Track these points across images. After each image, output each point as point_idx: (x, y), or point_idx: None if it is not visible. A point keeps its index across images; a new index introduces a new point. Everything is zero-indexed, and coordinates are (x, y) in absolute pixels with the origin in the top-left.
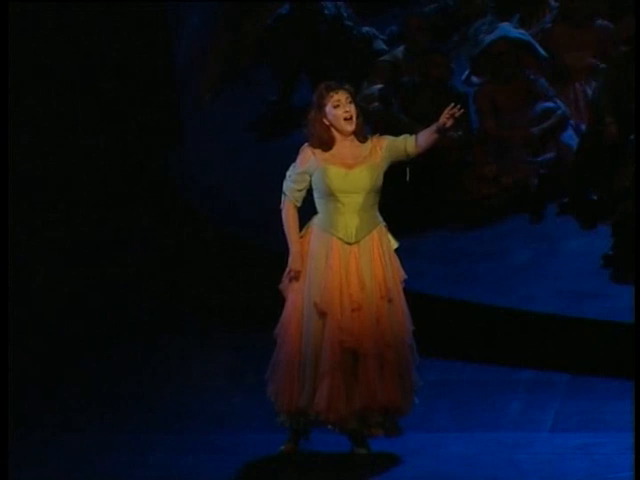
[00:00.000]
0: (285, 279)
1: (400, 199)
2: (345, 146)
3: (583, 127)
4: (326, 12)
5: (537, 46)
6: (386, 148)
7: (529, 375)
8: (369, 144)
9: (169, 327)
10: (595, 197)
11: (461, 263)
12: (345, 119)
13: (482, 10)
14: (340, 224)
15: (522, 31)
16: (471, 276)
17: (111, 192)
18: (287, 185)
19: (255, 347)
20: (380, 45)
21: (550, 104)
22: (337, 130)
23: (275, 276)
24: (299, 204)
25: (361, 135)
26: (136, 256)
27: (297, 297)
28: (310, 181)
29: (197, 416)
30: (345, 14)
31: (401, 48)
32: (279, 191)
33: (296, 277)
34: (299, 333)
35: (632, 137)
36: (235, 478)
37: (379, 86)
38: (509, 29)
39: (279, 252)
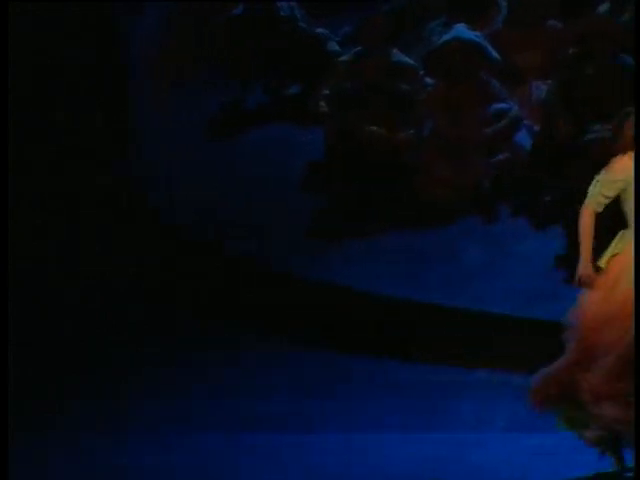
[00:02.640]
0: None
1: (354, 200)
2: None
3: (536, 128)
4: (281, 13)
5: (489, 47)
6: None
7: (483, 376)
8: None
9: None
10: (548, 198)
11: (414, 264)
12: None
13: (436, 11)
14: None
15: (475, 32)
16: (425, 277)
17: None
18: (594, 189)
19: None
20: (334, 46)
21: (503, 105)
22: None
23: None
24: (600, 210)
25: None
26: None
27: (599, 307)
28: (622, 191)
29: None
30: (299, 15)
31: (359, 49)
32: (237, 190)
33: (587, 283)
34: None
35: (586, 137)
36: None
37: (331, 87)
38: (462, 30)
39: (242, 251)
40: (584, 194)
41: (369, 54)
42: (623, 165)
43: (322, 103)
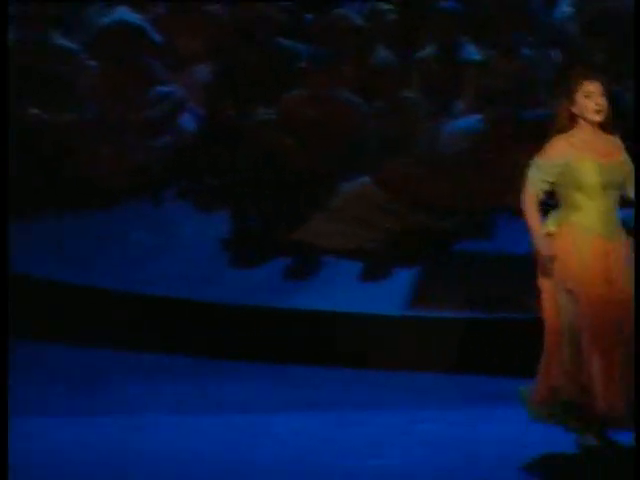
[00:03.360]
0: (542, 274)
1: (23, 184)
2: (595, 136)
3: (201, 112)
4: None
5: (152, 31)
6: (626, 170)
7: (150, 358)
8: (613, 140)
9: None
10: (213, 181)
11: (81, 247)
12: (595, 111)
13: None
14: (599, 220)
15: (138, 15)
16: (91, 260)
17: None
18: (533, 174)
19: None
20: None
21: (166, 88)
22: (583, 120)
23: None
24: (541, 195)
25: (609, 127)
26: None
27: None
28: (560, 174)
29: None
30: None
31: (20, 33)
32: None
33: (551, 261)
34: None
35: (250, 121)
36: None
37: None
38: (125, 13)
39: None
40: (248, 177)
41: (30, 38)
42: (559, 149)
43: None
